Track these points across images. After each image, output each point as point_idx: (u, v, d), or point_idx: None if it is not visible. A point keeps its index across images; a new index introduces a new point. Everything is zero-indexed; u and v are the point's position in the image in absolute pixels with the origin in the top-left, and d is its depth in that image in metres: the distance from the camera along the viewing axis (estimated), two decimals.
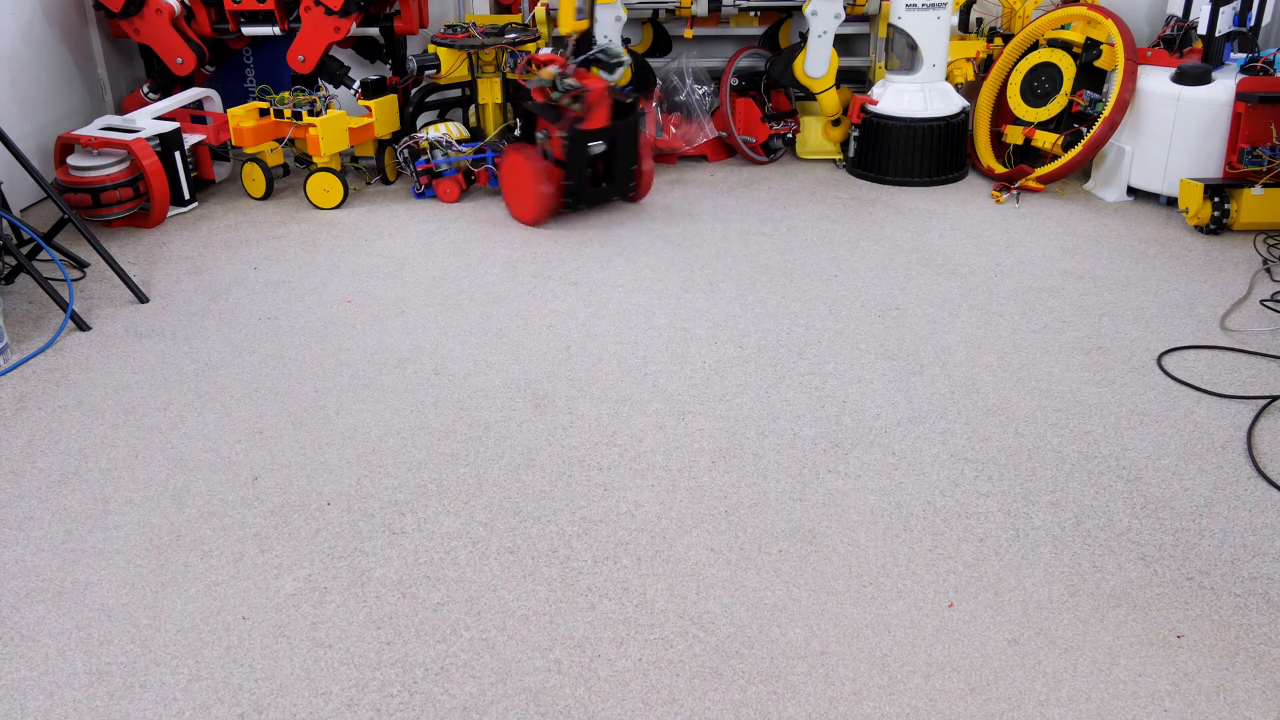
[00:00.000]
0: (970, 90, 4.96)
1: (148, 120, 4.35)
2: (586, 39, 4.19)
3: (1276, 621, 2.01)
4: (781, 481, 2.48)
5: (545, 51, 4.17)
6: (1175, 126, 4.22)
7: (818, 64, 4.80)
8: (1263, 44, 4.69)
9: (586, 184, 4.13)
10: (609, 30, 4.73)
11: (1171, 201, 4.35)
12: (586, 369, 3.04)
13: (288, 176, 4.95)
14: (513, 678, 1.90)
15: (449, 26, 4.86)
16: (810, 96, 5.01)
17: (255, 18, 4.87)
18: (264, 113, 4.52)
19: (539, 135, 4.14)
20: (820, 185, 4.75)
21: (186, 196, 4.46)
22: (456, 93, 4.95)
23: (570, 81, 3.92)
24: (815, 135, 5.13)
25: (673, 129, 4.98)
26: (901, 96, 4.68)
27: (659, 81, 5.02)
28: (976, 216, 4.31)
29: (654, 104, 4.97)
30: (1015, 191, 4.55)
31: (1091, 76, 4.56)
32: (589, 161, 4.08)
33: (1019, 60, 4.76)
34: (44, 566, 2.23)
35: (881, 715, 1.81)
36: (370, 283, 3.70)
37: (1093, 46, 4.50)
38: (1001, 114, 4.88)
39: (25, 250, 3.63)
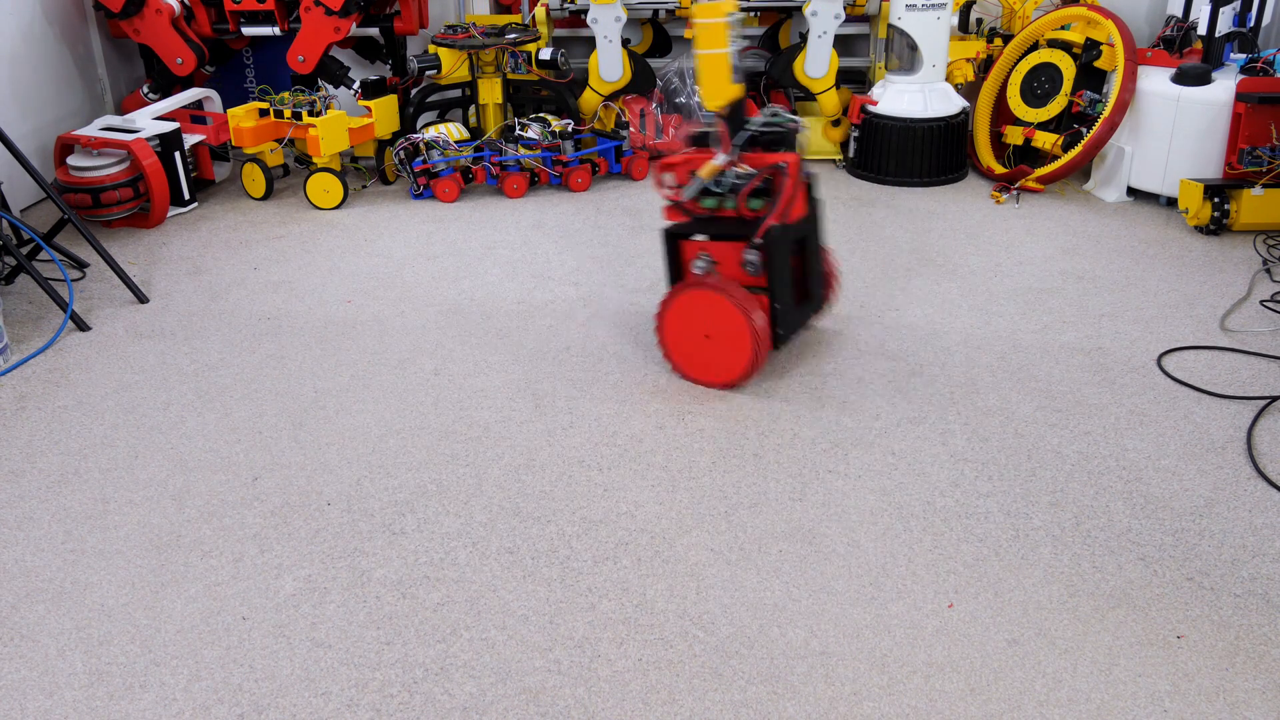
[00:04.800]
0: (970, 90, 4.96)
1: (148, 120, 4.35)
2: (736, 112, 2.81)
3: (1276, 621, 2.01)
4: (781, 481, 2.48)
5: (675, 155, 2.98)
6: (1175, 127, 4.22)
7: (818, 64, 4.80)
8: (1263, 44, 4.69)
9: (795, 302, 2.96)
10: (609, 31, 4.73)
11: (1171, 202, 4.35)
12: (586, 369, 3.04)
13: (288, 176, 4.95)
14: (513, 678, 1.90)
15: (449, 27, 4.86)
16: (810, 97, 5.01)
17: (255, 18, 4.88)
18: (264, 113, 4.52)
19: (699, 265, 2.92)
20: (820, 185, 4.75)
21: (186, 196, 4.46)
22: (457, 93, 4.95)
23: (744, 170, 2.81)
24: (815, 135, 5.13)
25: (672, 130, 4.98)
26: (901, 97, 4.68)
27: (659, 82, 5.03)
28: (976, 216, 4.31)
29: (654, 104, 4.98)
30: (1015, 192, 4.56)
31: (1091, 77, 4.56)
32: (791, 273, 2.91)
33: (1019, 61, 4.77)
34: (44, 566, 2.23)
35: (881, 715, 1.81)
36: (370, 283, 3.70)
37: (1093, 47, 4.50)
38: (1001, 114, 4.89)
39: (25, 250, 3.63)
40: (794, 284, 2.95)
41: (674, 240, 2.99)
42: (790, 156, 2.80)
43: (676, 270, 3.04)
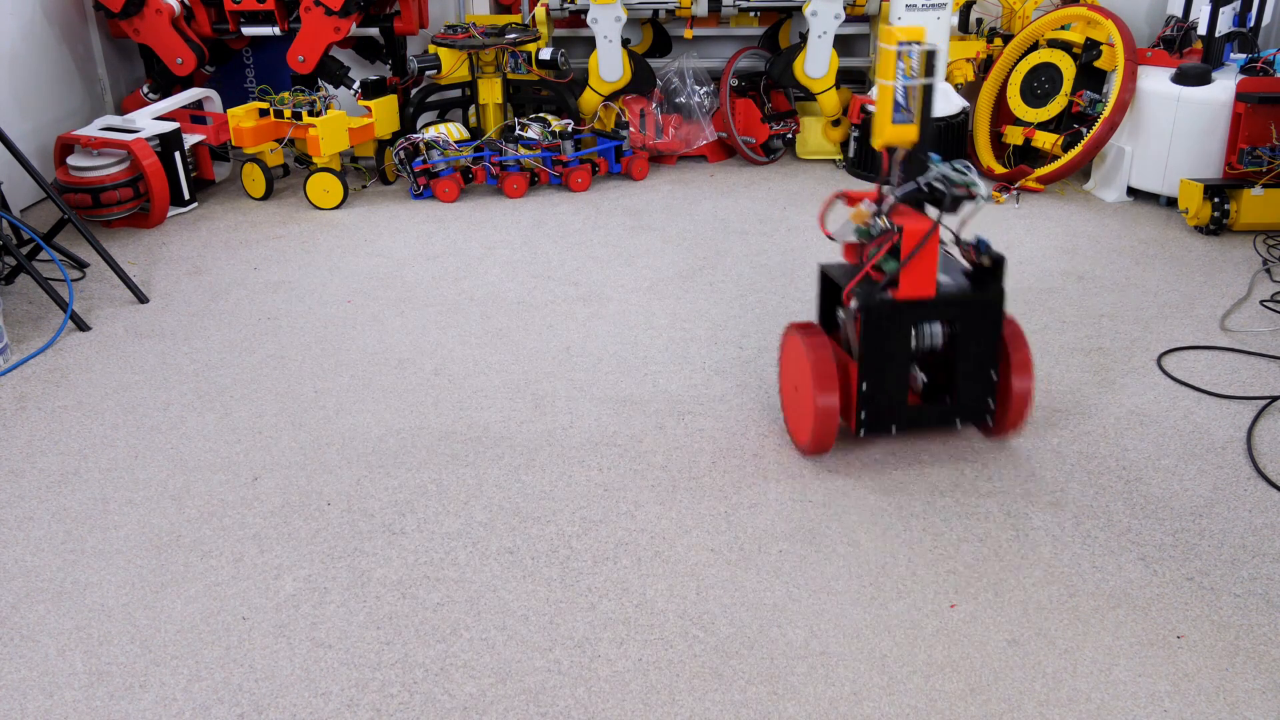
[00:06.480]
0: (970, 90, 4.96)
1: (148, 120, 4.35)
2: (918, 159, 2.43)
3: (1276, 621, 2.01)
4: (781, 481, 2.48)
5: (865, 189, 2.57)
6: (1175, 127, 4.22)
7: (818, 64, 4.80)
8: (1263, 44, 4.69)
9: (906, 394, 2.51)
10: (609, 31, 4.73)
11: (1171, 202, 4.35)
12: (586, 369, 3.04)
13: (288, 176, 4.95)
14: (513, 678, 1.90)
15: (449, 27, 4.86)
16: (810, 97, 5.01)
17: (255, 18, 4.87)
18: (264, 113, 4.52)
19: (841, 315, 2.57)
20: (820, 185, 4.75)
21: (186, 196, 4.46)
22: (457, 93, 4.95)
23: (882, 222, 2.43)
24: (815, 135, 5.13)
25: (672, 130, 4.98)
26: None
27: (659, 82, 5.03)
28: (977, 216, 4.31)
29: (654, 105, 4.98)
30: (1015, 192, 4.55)
31: (1091, 77, 4.56)
32: (909, 358, 2.48)
33: (1019, 61, 4.76)
34: (44, 566, 2.23)
35: (881, 715, 1.81)
36: (370, 283, 3.70)
37: (1093, 47, 4.50)
38: (1001, 114, 4.88)
39: (25, 250, 3.63)
40: (931, 380, 2.57)
41: (827, 280, 2.64)
42: (920, 222, 2.38)
43: (827, 309, 2.68)
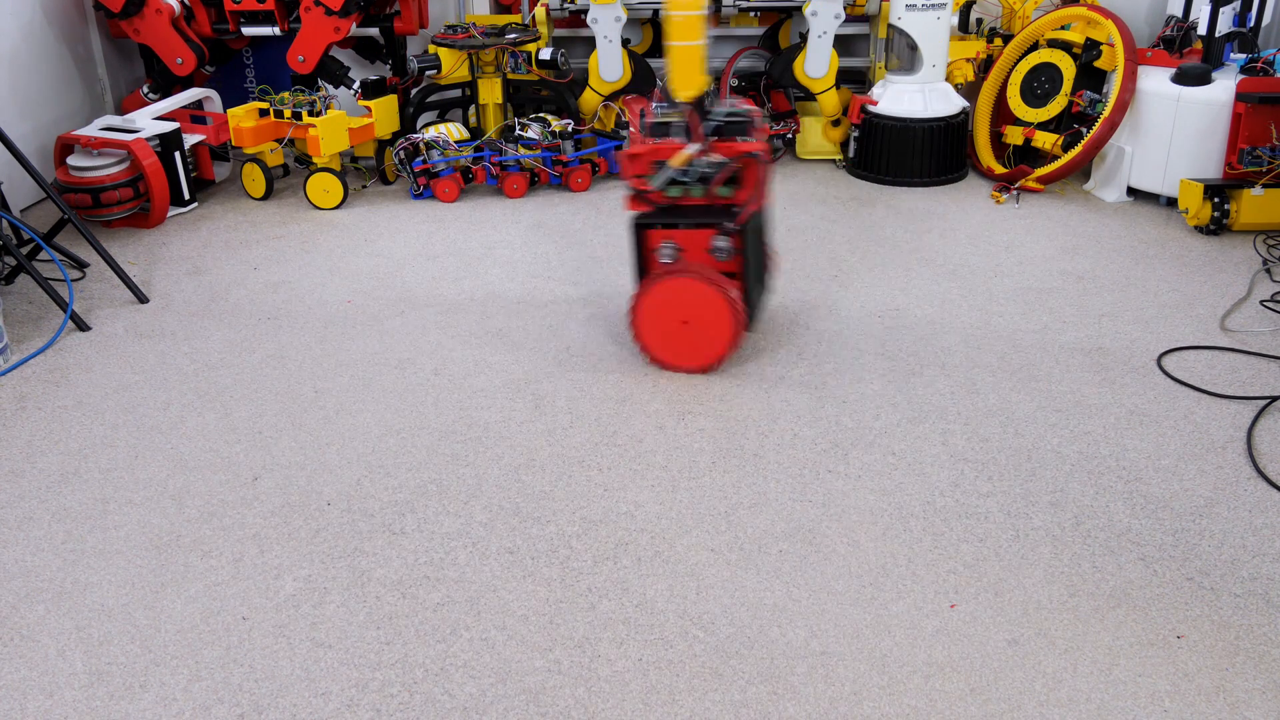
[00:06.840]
0: (970, 90, 4.96)
1: (148, 120, 4.35)
2: (703, 102, 2.92)
3: (1276, 621, 2.01)
4: (781, 481, 2.48)
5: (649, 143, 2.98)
6: (1175, 127, 4.22)
7: (818, 64, 4.80)
8: (1263, 44, 4.69)
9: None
10: (609, 31, 4.73)
11: (1171, 202, 4.35)
12: (586, 369, 3.04)
13: (288, 176, 4.95)
14: (513, 678, 1.90)
15: (449, 27, 4.86)
16: (810, 96, 5.01)
17: (255, 18, 4.88)
18: (264, 113, 4.52)
19: (664, 254, 2.96)
20: (820, 185, 4.75)
21: (186, 196, 4.46)
22: (457, 93, 4.95)
23: (715, 159, 2.87)
24: (815, 135, 5.13)
25: None
26: (901, 97, 4.68)
27: (659, 82, 5.02)
28: (976, 216, 4.31)
29: (654, 104, 4.97)
30: (1015, 192, 4.56)
31: (1091, 77, 4.56)
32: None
33: (1019, 61, 4.77)
34: (44, 566, 2.23)
35: (881, 715, 1.81)
36: (370, 283, 3.70)
37: (1093, 47, 4.50)
38: (1001, 114, 4.88)
39: (25, 250, 3.63)
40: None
41: (641, 231, 3.02)
42: (761, 145, 2.87)
43: (643, 260, 3.08)
